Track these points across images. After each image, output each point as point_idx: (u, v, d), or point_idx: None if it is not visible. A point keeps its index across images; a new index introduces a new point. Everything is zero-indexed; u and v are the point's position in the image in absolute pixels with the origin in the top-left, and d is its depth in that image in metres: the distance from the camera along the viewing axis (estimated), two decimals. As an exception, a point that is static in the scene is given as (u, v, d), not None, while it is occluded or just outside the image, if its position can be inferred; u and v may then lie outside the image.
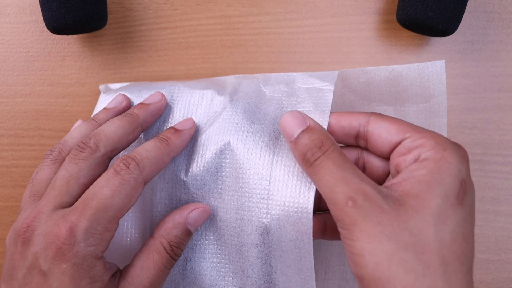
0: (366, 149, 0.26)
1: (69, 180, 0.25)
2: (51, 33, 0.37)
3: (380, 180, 0.26)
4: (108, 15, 0.37)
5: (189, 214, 0.27)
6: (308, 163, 0.24)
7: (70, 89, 0.37)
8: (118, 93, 0.32)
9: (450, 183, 0.21)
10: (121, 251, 0.31)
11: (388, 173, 0.26)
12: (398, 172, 0.23)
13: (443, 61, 0.28)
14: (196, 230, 0.28)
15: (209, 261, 0.29)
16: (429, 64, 0.28)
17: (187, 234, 0.27)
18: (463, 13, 0.32)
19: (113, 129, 0.27)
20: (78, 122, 0.31)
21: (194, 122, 0.29)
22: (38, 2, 0.36)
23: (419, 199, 0.21)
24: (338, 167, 0.22)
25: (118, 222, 0.25)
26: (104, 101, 0.33)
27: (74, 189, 0.25)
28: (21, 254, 0.24)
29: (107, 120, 0.29)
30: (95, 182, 0.25)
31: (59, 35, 0.37)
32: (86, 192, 0.24)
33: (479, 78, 0.36)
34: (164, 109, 0.30)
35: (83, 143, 0.26)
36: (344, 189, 0.21)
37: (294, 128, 0.25)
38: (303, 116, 0.25)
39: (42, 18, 0.32)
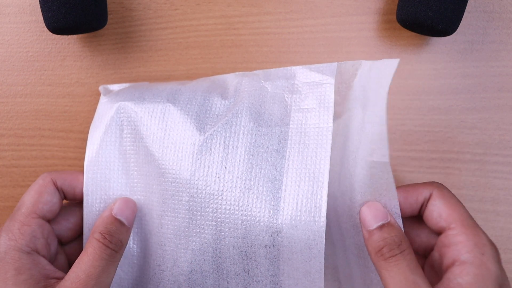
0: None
1: None
2: (51, 33, 0.37)
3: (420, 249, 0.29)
4: (108, 15, 0.36)
5: (113, 205, 0.29)
6: (382, 257, 0.25)
7: (70, 89, 0.37)
8: None
9: None
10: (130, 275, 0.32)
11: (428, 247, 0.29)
12: (440, 258, 0.26)
13: (398, 59, 0.26)
14: (129, 220, 0.29)
15: (209, 263, 0.29)
16: (381, 63, 0.27)
17: (117, 222, 0.29)
18: (463, 13, 0.32)
19: None
20: None
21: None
22: (38, 2, 0.36)
23: None
24: (411, 270, 0.24)
25: (37, 217, 0.28)
26: (105, 105, 0.32)
27: None
28: None
29: None
30: None
31: (59, 35, 0.37)
32: None
33: (479, 78, 0.36)
34: None
35: None
36: None
37: (375, 219, 0.26)
38: (386, 211, 0.26)
39: (42, 18, 0.32)
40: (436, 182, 0.28)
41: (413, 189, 0.28)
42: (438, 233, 0.27)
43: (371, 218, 0.26)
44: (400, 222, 0.26)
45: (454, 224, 0.26)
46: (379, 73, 0.27)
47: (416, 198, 0.27)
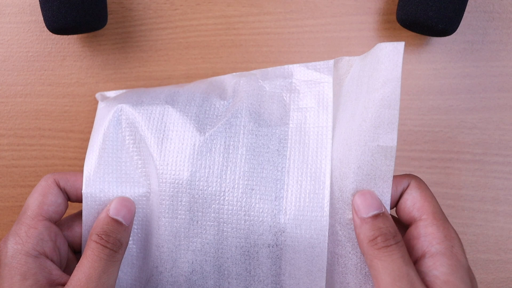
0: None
1: None
2: (51, 33, 0.37)
3: None
4: (108, 15, 0.36)
5: (109, 206, 0.29)
6: (376, 246, 0.24)
7: (70, 89, 0.37)
8: None
9: (466, 281, 0.24)
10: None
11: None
12: (408, 251, 0.26)
13: (403, 42, 0.25)
14: (126, 219, 0.29)
15: (210, 263, 0.29)
16: (385, 45, 0.25)
17: (114, 222, 0.28)
18: (463, 13, 0.32)
19: None
20: None
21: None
22: (38, 2, 0.36)
23: None
24: (405, 261, 0.24)
25: (43, 220, 0.27)
26: (103, 109, 0.32)
27: None
28: None
29: None
30: None
31: (59, 35, 0.37)
32: None
33: (479, 78, 0.36)
34: None
35: None
36: (406, 286, 0.23)
37: (369, 207, 0.25)
38: (380, 201, 0.26)
39: (42, 18, 0.32)
40: (414, 175, 0.28)
41: (393, 180, 0.27)
42: (408, 224, 0.27)
43: (366, 206, 0.25)
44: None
45: (426, 215, 0.26)
46: (378, 57, 0.25)
47: (395, 188, 0.27)
